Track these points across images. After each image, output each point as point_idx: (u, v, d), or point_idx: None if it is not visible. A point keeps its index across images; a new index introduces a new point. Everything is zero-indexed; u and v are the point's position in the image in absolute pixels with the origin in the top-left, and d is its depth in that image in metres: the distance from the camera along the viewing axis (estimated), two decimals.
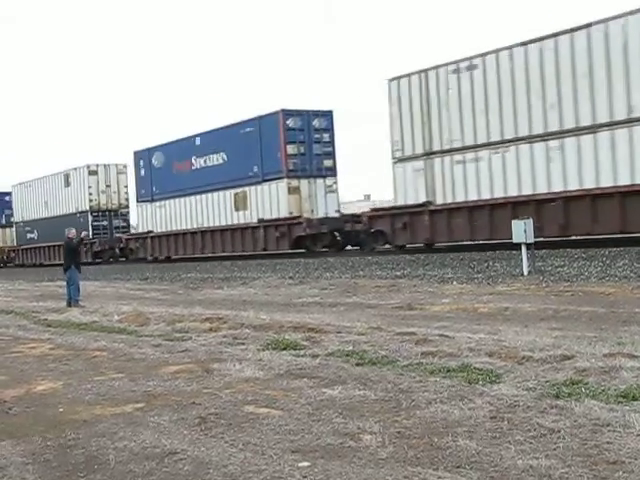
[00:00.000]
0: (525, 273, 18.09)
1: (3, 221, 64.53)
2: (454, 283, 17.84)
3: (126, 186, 51.67)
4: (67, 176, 52.94)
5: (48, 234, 52.31)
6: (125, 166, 51.68)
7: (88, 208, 50.42)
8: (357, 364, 8.38)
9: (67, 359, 10.24)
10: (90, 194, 50.33)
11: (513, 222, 19.16)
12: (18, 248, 61.00)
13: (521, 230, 18.45)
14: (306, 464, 5.02)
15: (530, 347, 8.51)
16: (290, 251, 35.42)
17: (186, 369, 8.77)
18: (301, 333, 10.87)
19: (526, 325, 10.64)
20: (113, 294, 23.01)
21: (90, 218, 50.20)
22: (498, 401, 6.29)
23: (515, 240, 18.82)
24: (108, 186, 51.17)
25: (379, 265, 24.10)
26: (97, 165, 51.15)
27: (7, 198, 62.57)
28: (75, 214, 51.30)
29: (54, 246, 51.77)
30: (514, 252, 20.97)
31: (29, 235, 58.87)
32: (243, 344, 10.45)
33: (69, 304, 18.67)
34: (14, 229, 62.19)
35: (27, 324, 15.53)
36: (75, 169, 52.07)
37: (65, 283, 19.78)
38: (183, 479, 4.91)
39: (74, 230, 20.36)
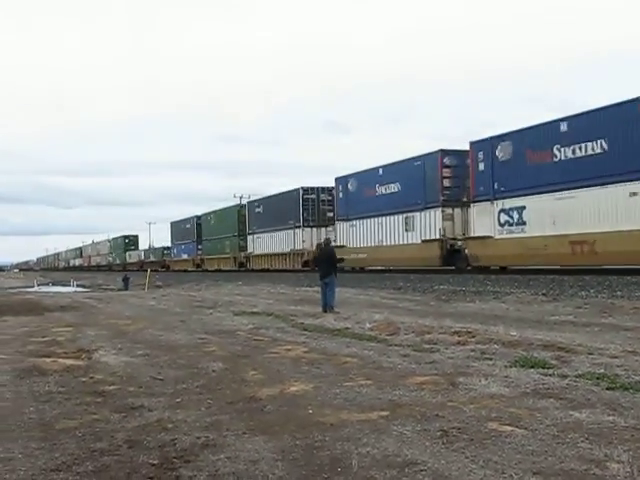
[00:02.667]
0: None
1: None
2: None
3: None
4: None
5: None
6: None
7: None
8: (608, 388, 8.04)
9: (319, 363, 10.66)
10: None
11: None
12: None
13: None
14: None
15: None
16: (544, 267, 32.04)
17: (432, 381, 8.85)
18: (550, 352, 10.62)
19: None
20: (366, 302, 23.60)
21: None
22: None
23: None
24: None
25: (639, 286, 22.86)
26: None
27: None
28: None
29: None
30: None
31: None
32: (490, 359, 10.36)
33: (324, 310, 19.43)
34: None
35: (285, 327, 16.30)
36: None
37: (320, 289, 20.61)
38: None
39: (331, 237, 21.23)
